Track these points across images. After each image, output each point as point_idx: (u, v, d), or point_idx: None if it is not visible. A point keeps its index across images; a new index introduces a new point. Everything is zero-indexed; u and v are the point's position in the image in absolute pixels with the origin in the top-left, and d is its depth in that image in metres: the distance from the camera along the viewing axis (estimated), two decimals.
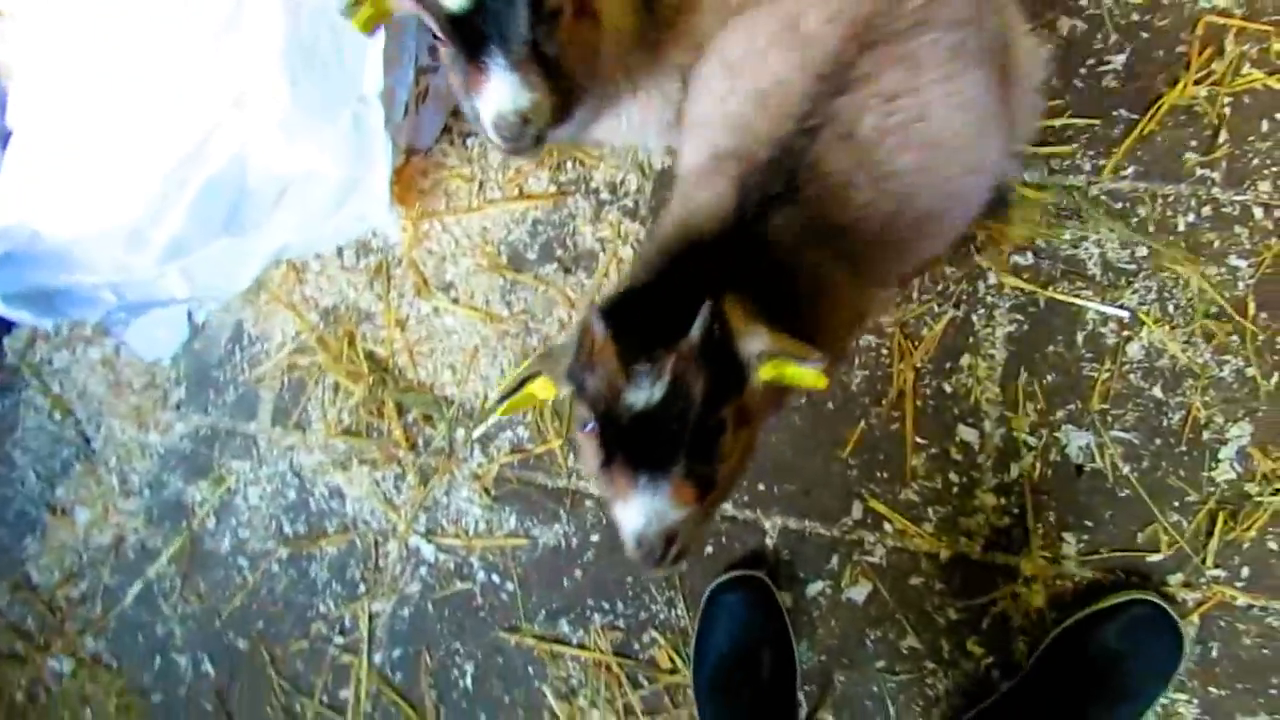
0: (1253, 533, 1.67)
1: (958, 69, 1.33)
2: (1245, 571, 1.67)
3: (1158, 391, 1.75)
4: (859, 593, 1.82)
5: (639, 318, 1.13)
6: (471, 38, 1.30)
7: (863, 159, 1.29)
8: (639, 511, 1.10)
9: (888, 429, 1.86)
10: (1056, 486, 1.78)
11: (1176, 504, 1.72)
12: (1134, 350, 1.77)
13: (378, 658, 2.01)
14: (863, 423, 1.87)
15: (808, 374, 1.12)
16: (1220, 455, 1.71)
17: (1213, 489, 1.71)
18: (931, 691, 1.76)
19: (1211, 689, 1.66)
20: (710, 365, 1.08)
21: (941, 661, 1.77)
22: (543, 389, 1.23)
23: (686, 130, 1.50)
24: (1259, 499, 1.68)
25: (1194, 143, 1.83)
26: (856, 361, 1.91)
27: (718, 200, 1.29)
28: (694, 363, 1.07)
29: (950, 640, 1.77)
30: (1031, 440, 1.80)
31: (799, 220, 1.27)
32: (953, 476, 1.82)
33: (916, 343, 1.87)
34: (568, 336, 1.24)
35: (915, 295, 1.90)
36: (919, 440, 1.84)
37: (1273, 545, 1.67)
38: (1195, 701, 1.65)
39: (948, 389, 1.84)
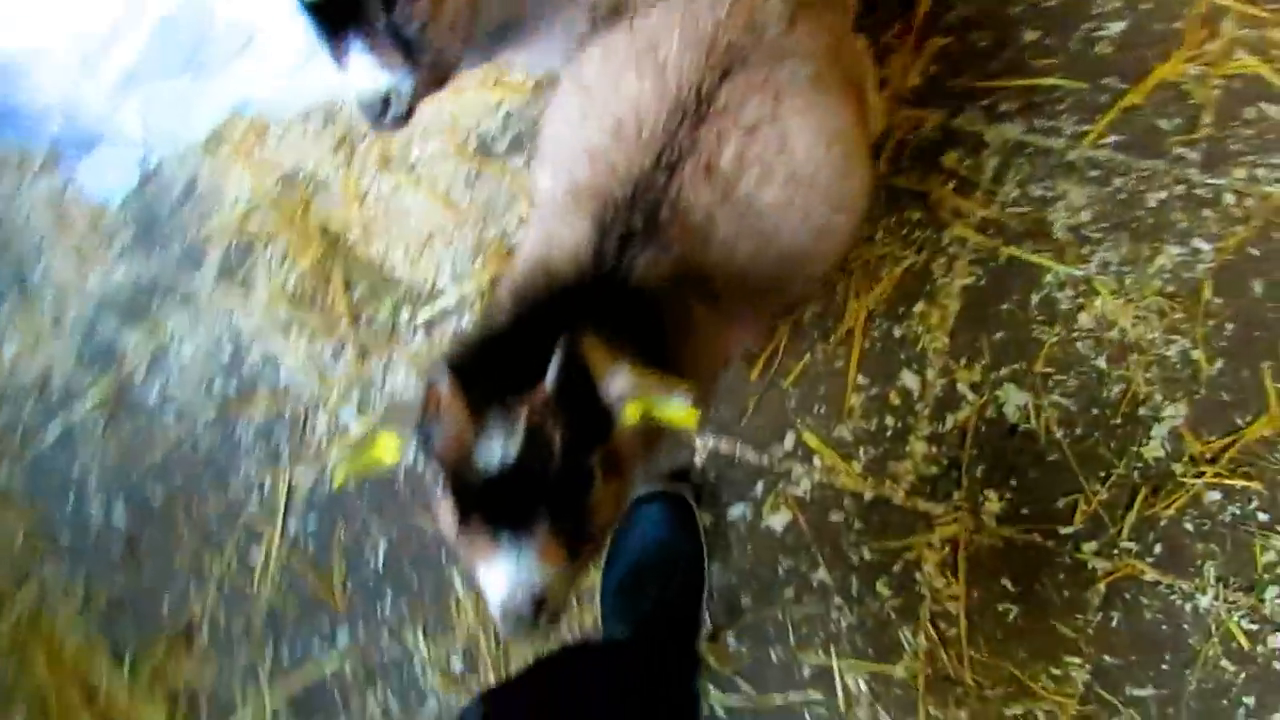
0: (1171, 511, 1.65)
1: (819, 100, 1.27)
2: (1158, 549, 1.64)
3: (1101, 362, 1.72)
4: (779, 521, 1.81)
5: (490, 367, 1.04)
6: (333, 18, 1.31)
7: (725, 194, 1.23)
8: (502, 576, 1.00)
9: (832, 365, 1.82)
10: (988, 443, 1.74)
11: (1102, 474, 1.69)
12: (1085, 319, 1.74)
13: (292, 526, 1.97)
14: (808, 356, 1.83)
15: (677, 411, 1.04)
16: (1153, 432, 1.68)
17: (1139, 464, 1.68)
18: (834, 626, 1.73)
19: (1106, 656, 1.64)
20: (570, 412, 0.99)
21: (849, 599, 1.75)
22: (387, 448, 1.10)
23: (542, 154, 1.41)
24: (1182, 479, 1.66)
25: (1178, 121, 1.77)
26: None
27: (575, 240, 1.21)
28: (551, 411, 0.98)
29: (861, 579, 1.75)
30: (971, 395, 1.76)
31: (662, 260, 1.20)
32: (888, 420, 1.79)
33: (873, 284, 1.82)
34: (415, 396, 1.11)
35: (878, 236, 1.89)
36: (861, 380, 1.80)
37: (1189, 527, 1.65)
38: (1088, 666, 1.64)
39: (897, 333, 1.80)
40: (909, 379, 1.79)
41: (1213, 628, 1.63)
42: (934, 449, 1.76)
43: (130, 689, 1.98)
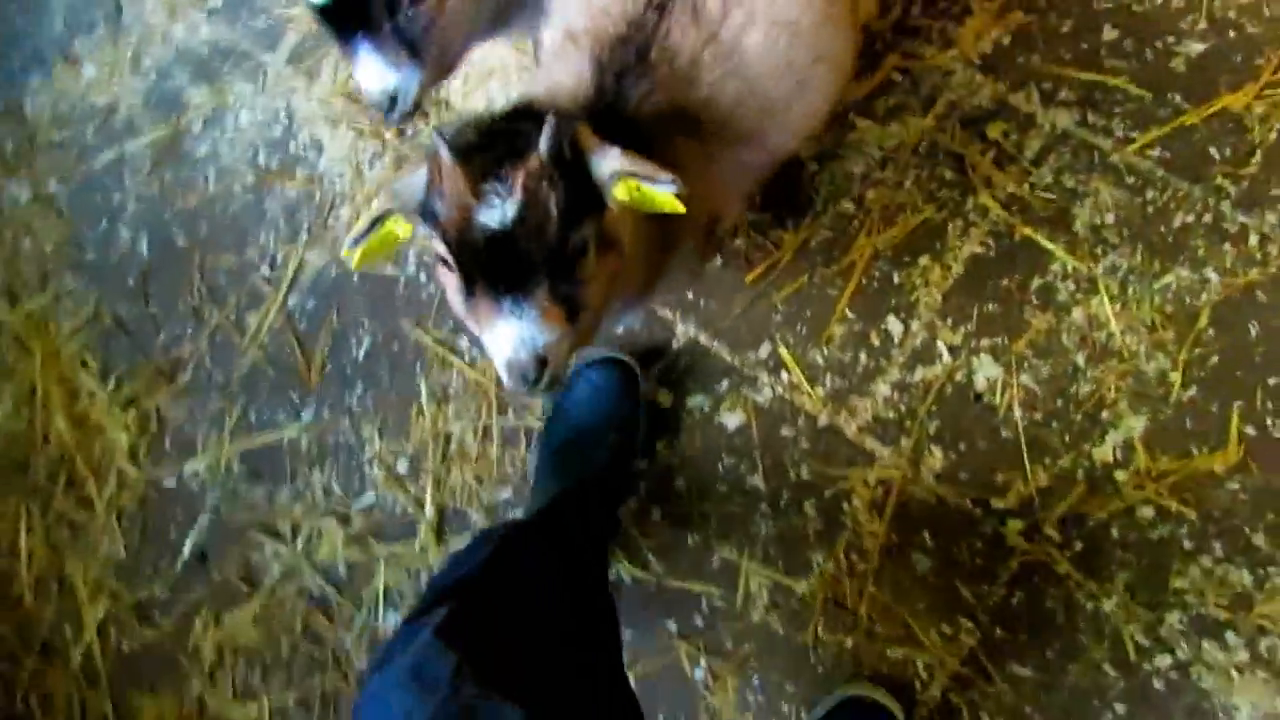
0: (1102, 514, 1.63)
1: None
2: (1078, 545, 1.63)
3: (1080, 359, 1.69)
4: (733, 421, 1.81)
5: (486, 144, 1.06)
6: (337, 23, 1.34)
7: (709, 36, 1.24)
8: (507, 336, 1.04)
9: (825, 292, 1.80)
10: (949, 404, 1.72)
11: (1047, 461, 1.67)
12: (1078, 314, 1.70)
13: (292, 300, 2.01)
14: (805, 278, 1.80)
15: (662, 196, 1.05)
16: (1108, 438, 1.65)
17: (1086, 463, 1.65)
18: (754, 530, 1.73)
19: (998, 629, 1.63)
20: (564, 182, 1.02)
21: (775, 510, 1.74)
22: (399, 227, 1.13)
23: (546, 12, 1.40)
24: (1122, 488, 1.63)
25: (1228, 152, 1.72)
26: (825, 221, 1.91)
27: (576, 75, 1.24)
28: (546, 178, 1.01)
29: (791, 495, 1.74)
30: (947, 356, 1.73)
31: (654, 97, 1.22)
32: (862, 357, 1.77)
33: (887, 227, 1.79)
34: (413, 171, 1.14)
35: (907, 184, 1.89)
36: (848, 314, 1.77)
37: (1114, 534, 1.62)
38: (978, 634, 1.63)
39: (895, 279, 1.77)
40: (893, 324, 1.80)
41: (1106, 631, 1.63)
42: (896, 395, 1.75)
43: (109, 403, 2.04)
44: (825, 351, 1.78)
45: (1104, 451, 1.67)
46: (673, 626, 1.73)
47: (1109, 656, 1.60)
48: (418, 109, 1.43)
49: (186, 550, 1.95)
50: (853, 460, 1.74)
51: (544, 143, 1.01)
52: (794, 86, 1.33)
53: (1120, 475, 1.65)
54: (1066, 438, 1.68)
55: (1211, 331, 1.66)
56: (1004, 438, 1.70)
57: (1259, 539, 1.58)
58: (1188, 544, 1.61)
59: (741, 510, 1.76)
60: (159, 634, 1.91)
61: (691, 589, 1.74)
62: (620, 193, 1.06)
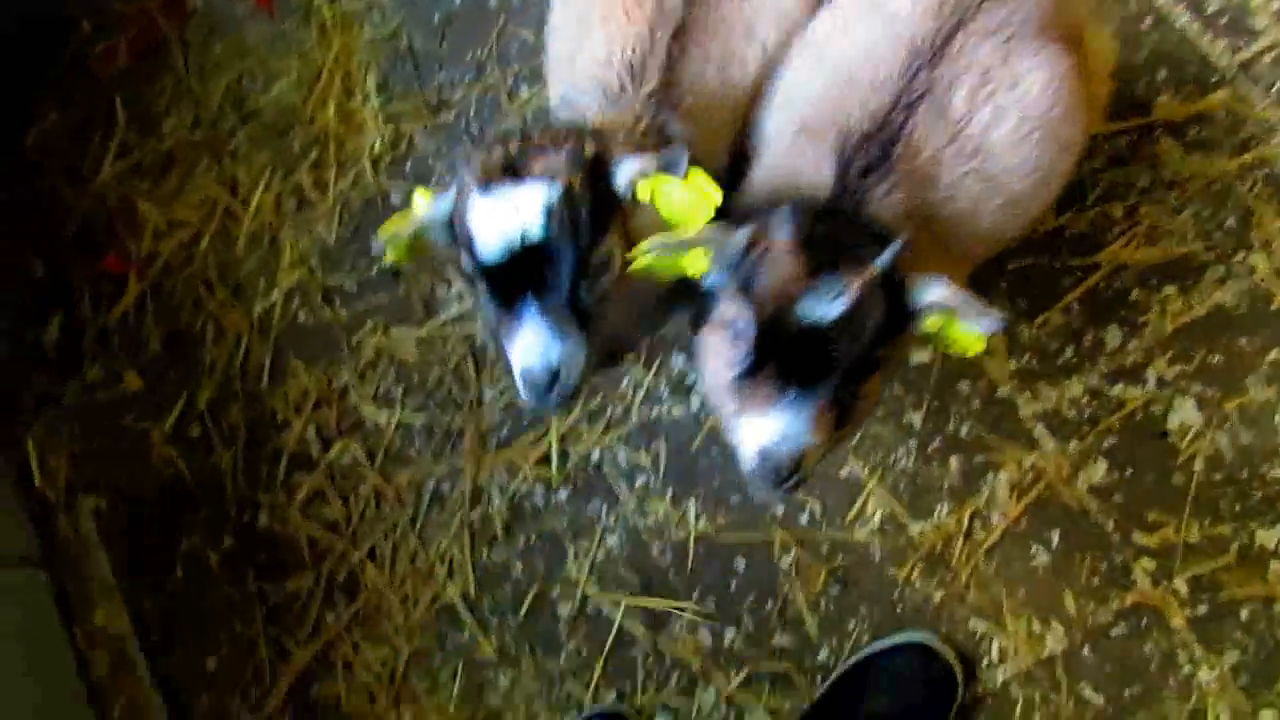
0: (1239, 592, 1.57)
1: (1047, 43, 1.23)
2: (1201, 609, 1.58)
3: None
4: (918, 357, 1.77)
5: (821, 237, 1.05)
6: (507, 285, 1.18)
7: (954, 134, 1.21)
8: (775, 428, 1.02)
9: (1059, 279, 1.75)
10: (1134, 430, 1.68)
11: (1207, 521, 1.61)
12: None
13: None
14: (1048, 258, 1.76)
15: (973, 337, 1.03)
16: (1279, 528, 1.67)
17: (1246, 538, 1.59)
18: (893, 461, 1.74)
19: (1086, 649, 1.61)
20: (887, 300, 1.01)
21: (922, 452, 1.74)
22: (695, 262, 1.11)
23: (771, 105, 1.37)
24: (1270, 577, 1.57)
25: None
26: (1089, 217, 1.81)
27: (815, 168, 1.21)
28: (878, 289, 1.00)
29: (942, 444, 1.73)
30: (1152, 383, 1.67)
31: (894, 195, 1.19)
32: (1068, 351, 1.71)
33: (1147, 244, 1.73)
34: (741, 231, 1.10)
35: (1184, 214, 1.80)
36: (1074, 305, 1.73)
37: (1244, 615, 1.57)
38: (1067, 643, 1.62)
39: (1133, 296, 1.71)
40: (1113, 335, 1.75)
41: (1193, 700, 1.59)
42: (1085, 399, 1.71)
43: (376, 111, 2.18)
44: (1034, 332, 1.76)
45: (1269, 536, 1.61)
46: (778, 511, 1.77)
47: (1187, 718, 1.56)
48: (578, 394, 1.25)
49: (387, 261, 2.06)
50: (1015, 439, 1.72)
51: (886, 257, 1.02)
52: (1038, 180, 1.30)
53: (1275, 565, 1.60)
54: (1237, 508, 1.62)
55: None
56: (1174, 483, 1.65)
57: None
58: None
59: (889, 438, 1.77)
60: (334, 318, 2.07)
61: (807, 492, 1.76)
62: (932, 324, 1.06)
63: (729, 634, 1.73)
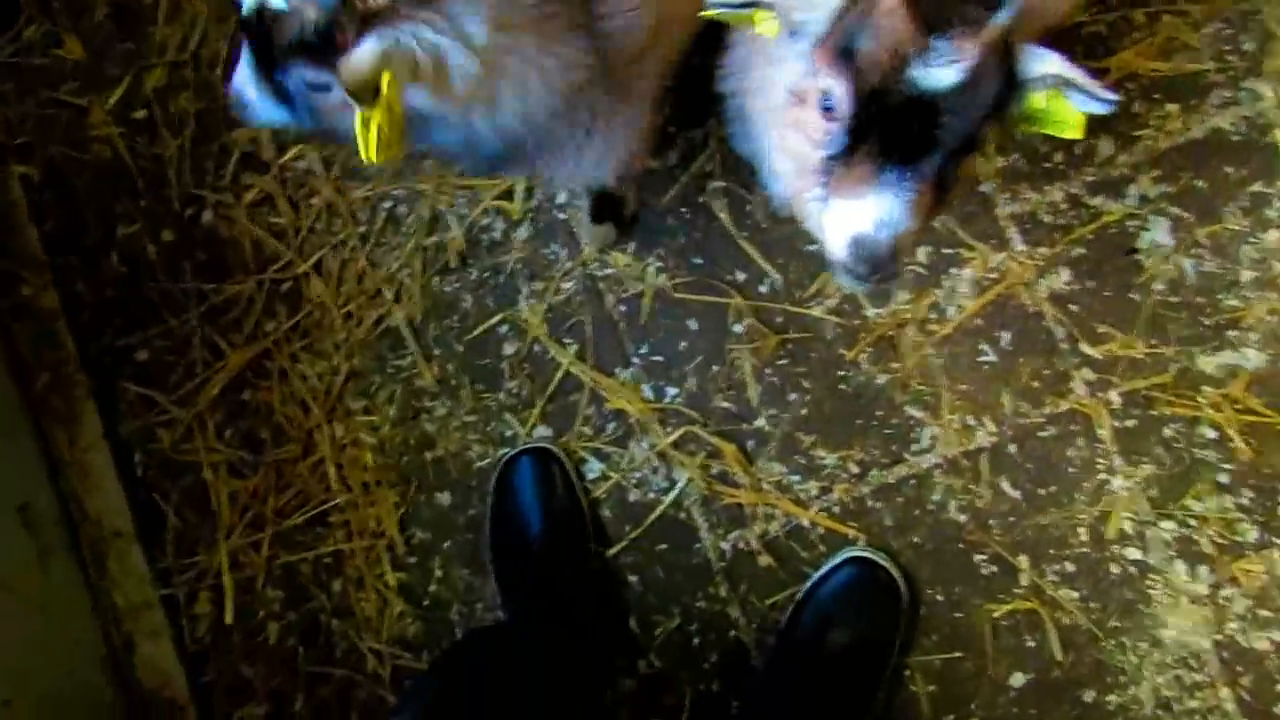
0: (1166, 410, 1.61)
1: None
2: (1130, 422, 1.62)
3: (1247, 277, 1.62)
4: None
5: None
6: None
7: None
8: (874, 212, 0.91)
9: None
10: (1104, 244, 1.66)
11: (1154, 341, 1.63)
12: (1272, 238, 1.62)
13: None
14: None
15: (1076, 119, 0.92)
16: (1221, 354, 1.61)
17: (1186, 361, 1.62)
18: None
19: (1011, 447, 1.65)
20: (1004, 67, 0.89)
21: None
22: (764, 23, 0.96)
23: None
24: (1200, 401, 1.61)
25: None
26: (1106, 19, 1.72)
27: None
28: (998, 55, 0.87)
29: None
30: (1134, 200, 1.65)
31: None
32: (1058, 156, 1.66)
33: (1160, 57, 1.67)
34: None
35: (1204, 30, 1.69)
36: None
37: (1165, 432, 1.62)
38: (996, 438, 1.65)
39: (1135, 108, 1.67)
40: (1104, 145, 1.66)
41: (1103, 503, 1.62)
42: (1064, 206, 1.66)
43: None
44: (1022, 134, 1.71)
45: (1209, 362, 1.64)
46: (739, 277, 1.73)
47: (1092, 522, 1.63)
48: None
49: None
50: (986, 237, 1.70)
51: (1006, 16, 0.87)
52: None
53: (1207, 389, 1.63)
54: (1186, 332, 1.65)
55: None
56: (1131, 299, 1.66)
57: None
58: (1223, 479, 1.62)
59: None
60: None
61: (770, 262, 1.73)
62: (1037, 101, 0.93)
63: (671, 391, 1.74)
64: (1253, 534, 1.60)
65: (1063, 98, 0.93)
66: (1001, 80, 0.91)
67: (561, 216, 1.77)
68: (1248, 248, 1.65)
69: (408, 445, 1.78)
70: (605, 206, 1.71)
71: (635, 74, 1.28)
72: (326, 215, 1.81)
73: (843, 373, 1.70)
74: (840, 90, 0.93)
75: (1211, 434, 1.62)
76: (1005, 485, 1.66)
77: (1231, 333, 1.64)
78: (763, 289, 1.73)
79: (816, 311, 1.71)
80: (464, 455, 1.77)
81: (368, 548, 1.77)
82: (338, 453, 1.79)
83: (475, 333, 1.78)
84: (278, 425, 1.80)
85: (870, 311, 1.70)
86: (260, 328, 1.81)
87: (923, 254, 1.70)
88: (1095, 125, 1.63)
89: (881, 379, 1.69)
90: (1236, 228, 1.65)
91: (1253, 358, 1.63)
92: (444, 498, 1.77)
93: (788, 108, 1.01)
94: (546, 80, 1.14)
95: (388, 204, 1.81)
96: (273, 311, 1.82)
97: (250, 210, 1.83)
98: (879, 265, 0.93)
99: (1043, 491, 1.65)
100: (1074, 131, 0.95)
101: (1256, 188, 1.65)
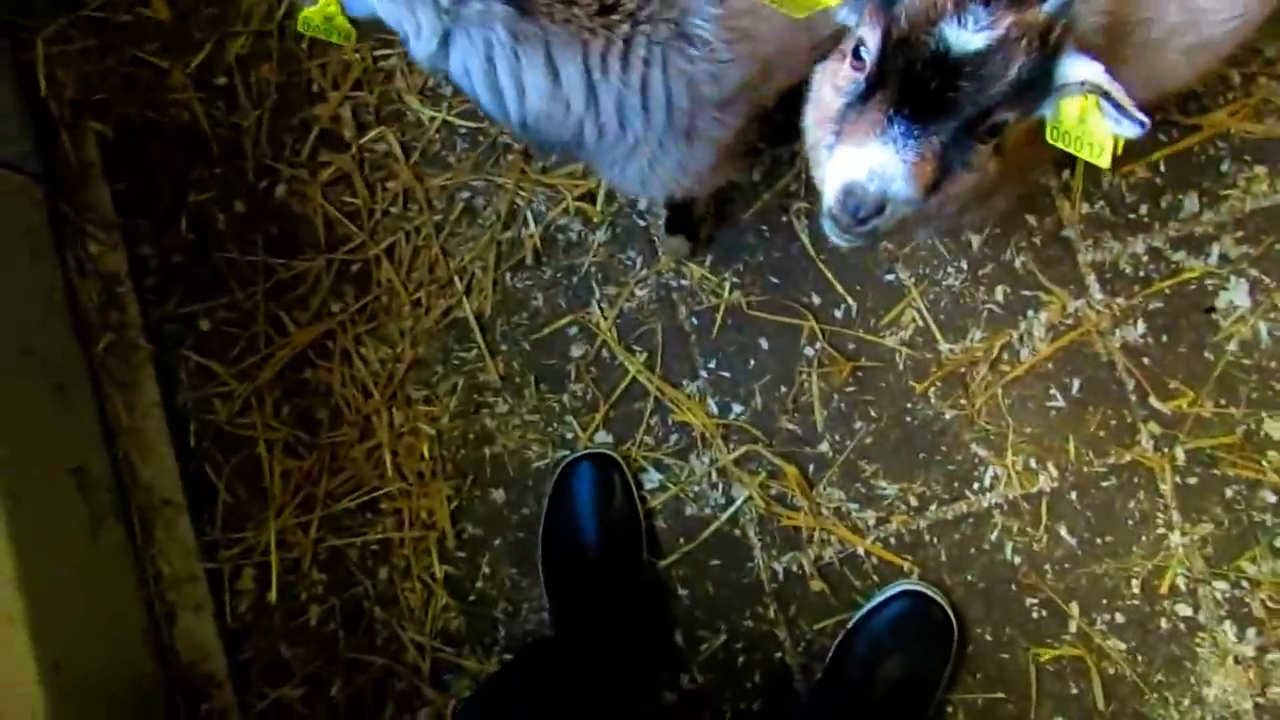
0: (1231, 471, 1.62)
1: None
2: (1191, 480, 1.63)
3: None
4: None
5: None
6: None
7: None
8: (869, 161, 0.92)
9: (1154, 133, 1.68)
10: (1181, 299, 1.67)
11: (1222, 401, 1.64)
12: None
13: None
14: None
15: (1103, 139, 0.92)
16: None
17: (1254, 425, 1.62)
18: (939, 277, 1.70)
19: (1072, 494, 1.66)
20: (1036, 56, 0.90)
21: (972, 273, 1.70)
22: None
23: None
24: (1271, 460, 1.63)
25: None
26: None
27: None
28: (1030, 39, 0.89)
29: (993, 270, 1.69)
30: (1215, 260, 1.65)
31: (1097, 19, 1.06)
32: (1142, 209, 1.67)
33: (1254, 119, 1.67)
34: None
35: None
36: (1160, 165, 1.68)
37: (1227, 494, 1.62)
38: (1055, 479, 1.65)
39: (1223, 167, 1.67)
40: (1190, 202, 1.66)
41: (1159, 558, 1.64)
42: (1146, 259, 1.67)
43: None
44: (1115, 180, 1.71)
45: (1276, 427, 1.65)
46: (815, 300, 1.73)
47: (1146, 575, 1.64)
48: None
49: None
50: (1065, 282, 1.70)
51: (1051, 5, 0.89)
52: (1231, 29, 1.19)
53: (1272, 454, 1.64)
54: (1255, 395, 1.66)
55: None
56: (1204, 358, 1.67)
57: None
58: (1271, 520, 1.63)
59: (943, 254, 1.72)
60: None
61: (847, 287, 1.72)
62: (1070, 107, 0.94)
63: (736, 408, 1.73)
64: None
65: (1098, 114, 0.94)
66: (1033, 69, 0.92)
67: (642, 223, 1.76)
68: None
69: (466, 439, 1.78)
70: (679, 219, 1.71)
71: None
72: (402, 200, 1.79)
73: (910, 405, 1.71)
74: (870, 39, 0.95)
75: (1272, 498, 1.63)
76: (1063, 531, 1.67)
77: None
78: (837, 314, 1.73)
79: (889, 341, 1.72)
80: (522, 454, 1.77)
81: (417, 538, 1.76)
82: (395, 440, 1.78)
83: (544, 332, 1.77)
84: (336, 407, 1.78)
85: (943, 346, 1.71)
86: (326, 307, 1.79)
87: (1000, 293, 1.71)
88: (1182, 181, 1.69)
89: (949, 414, 1.70)
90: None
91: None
92: (498, 495, 1.76)
93: (829, 62, 1.05)
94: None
95: (465, 194, 1.79)
96: (340, 292, 1.80)
97: (325, 188, 1.80)
98: (862, 217, 0.94)
99: (1099, 541, 1.67)
100: (1102, 159, 0.95)
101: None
